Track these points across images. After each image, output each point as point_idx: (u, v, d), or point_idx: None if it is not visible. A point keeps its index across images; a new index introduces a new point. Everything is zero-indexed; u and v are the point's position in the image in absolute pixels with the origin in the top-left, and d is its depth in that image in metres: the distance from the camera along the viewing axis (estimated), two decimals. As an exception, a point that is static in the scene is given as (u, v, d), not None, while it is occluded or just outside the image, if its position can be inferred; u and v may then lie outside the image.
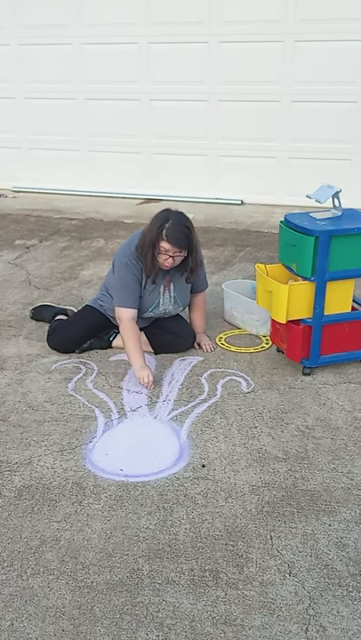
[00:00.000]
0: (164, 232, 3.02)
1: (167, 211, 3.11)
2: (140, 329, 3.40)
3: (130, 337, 3.11)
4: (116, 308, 3.18)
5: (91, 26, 6.15)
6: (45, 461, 2.58)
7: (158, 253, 3.06)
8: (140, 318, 3.31)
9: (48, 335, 3.49)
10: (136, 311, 3.18)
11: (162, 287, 3.24)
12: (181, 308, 3.39)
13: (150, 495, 2.39)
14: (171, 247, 3.03)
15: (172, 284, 3.26)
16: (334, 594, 1.97)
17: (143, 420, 2.87)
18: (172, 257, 3.07)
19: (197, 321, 3.49)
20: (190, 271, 3.20)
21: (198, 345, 3.44)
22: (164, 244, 3.03)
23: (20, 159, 6.89)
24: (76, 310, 3.67)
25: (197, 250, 3.18)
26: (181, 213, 3.12)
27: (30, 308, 3.89)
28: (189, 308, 3.50)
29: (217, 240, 5.26)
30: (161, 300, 3.27)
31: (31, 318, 3.82)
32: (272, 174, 6.12)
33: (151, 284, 3.18)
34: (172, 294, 3.28)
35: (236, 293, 3.65)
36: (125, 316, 3.14)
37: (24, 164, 6.89)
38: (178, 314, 3.47)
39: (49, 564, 2.10)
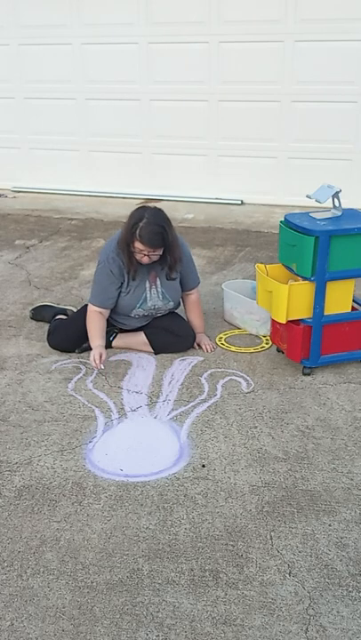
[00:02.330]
0: (137, 232, 3.02)
1: (143, 209, 3.11)
2: (140, 329, 3.40)
3: (93, 323, 3.22)
4: (88, 304, 3.27)
5: (91, 26, 6.15)
6: (45, 461, 2.58)
7: (134, 252, 3.09)
8: (136, 318, 3.31)
9: (48, 335, 3.50)
10: (106, 310, 3.25)
11: (147, 283, 3.24)
12: (172, 304, 3.37)
13: (150, 495, 2.39)
14: (144, 247, 3.04)
15: (158, 280, 3.26)
16: (334, 594, 1.97)
17: (143, 420, 2.87)
18: (148, 255, 3.09)
19: (195, 321, 3.47)
20: (169, 268, 3.20)
21: (198, 345, 3.44)
22: (138, 244, 3.04)
23: (20, 159, 6.89)
24: (75, 310, 3.67)
25: (175, 247, 3.16)
26: (157, 211, 3.11)
27: (30, 308, 3.89)
28: (185, 310, 3.49)
29: (217, 240, 5.26)
30: (148, 295, 3.26)
31: (31, 318, 3.82)
32: (272, 174, 6.12)
33: (132, 280, 3.20)
34: (159, 289, 3.27)
35: (236, 293, 3.65)
36: (92, 309, 3.26)
37: (24, 163, 6.89)
38: (177, 313, 3.46)
39: (49, 564, 2.10)
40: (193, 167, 6.35)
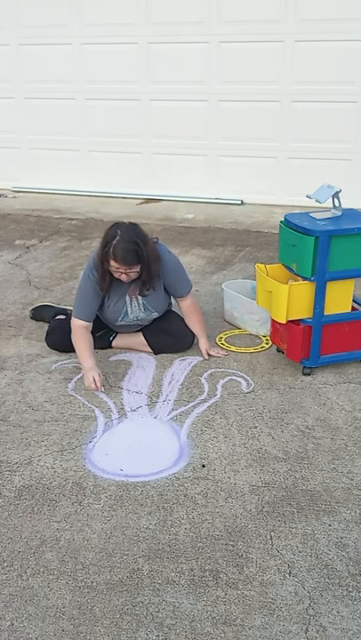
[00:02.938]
0: (111, 250, 2.96)
1: (116, 226, 3.03)
2: (138, 330, 3.40)
3: (79, 341, 3.14)
4: (72, 317, 3.20)
5: (91, 26, 6.15)
6: (45, 461, 2.58)
7: (109, 270, 3.04)
8: (124, 326, 3.32)
9: (46, 335, 3.49)
10: (89, 323, 3.18)
11: (127, 297, 3.20)
12: (156, 314, 3.31)
13: (150, 495, 2.39)
14: (119, 265, 2.98)
15: (138, 293, 3.19)
16: (334, 594, 1.97)
17: (143, 420, 2.87)
18: (125, 273, 3.03)
19: (195, 326, 3.39)
20: (142, 283, 3.12)
21: (208, 354, 3.36)
22: (113, 262, 2.99)
23: (20, 159, 6.89)
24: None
25: (153, 262, 3.07)
26: (131, 227, 3.03)
27: (30, 308, 3.89)
28: (183, 316, 3.41)
29: (217, 240, 5.26)
30: (129, 309, 3.23)
31: (31, 318, 3.82)
32: (272, 174, 6.12)
33: (108, 297, 3.17)
34: (140, 302, 3.22)
35: (236, 293, 3.65)
36: (77, 324, 3.17)
37: (24, 163, 6.89)
38: (175, 314, 3.44)
39: (49, 564, 2.10)
40: (193, 167, 6.35)
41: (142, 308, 3.25)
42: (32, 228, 5.70)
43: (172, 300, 3.42)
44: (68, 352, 3.39)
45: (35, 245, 5.24)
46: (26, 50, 6.43)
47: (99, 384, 3.00)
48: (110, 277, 3.10)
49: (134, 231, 3.02)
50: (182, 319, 3.43)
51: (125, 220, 3.13)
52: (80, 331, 3.16)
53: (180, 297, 3.35)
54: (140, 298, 3.21)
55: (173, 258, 3.28)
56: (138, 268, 3.04)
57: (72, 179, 6.73)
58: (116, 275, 3.06)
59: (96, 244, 5.18)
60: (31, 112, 6.67)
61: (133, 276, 3.07)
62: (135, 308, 3.24)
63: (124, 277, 3.06)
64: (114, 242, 2.96)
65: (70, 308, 3.73)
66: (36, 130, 6.72)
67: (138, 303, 3.22)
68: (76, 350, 3.16)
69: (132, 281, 3.13)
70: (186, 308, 3.38)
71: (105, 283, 3.10)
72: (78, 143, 6.65)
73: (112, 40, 6.13)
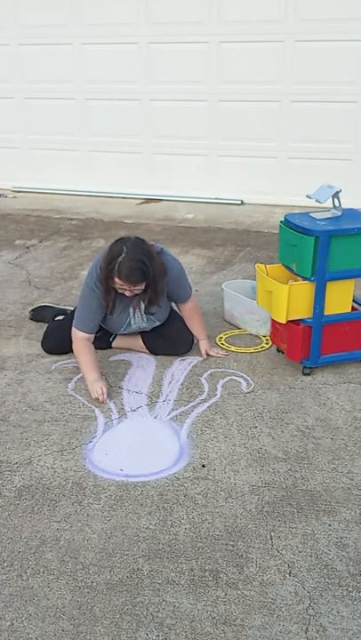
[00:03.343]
0: (116, 267, 2.87)
1: (122, 242, 2.92)
2: (137, 333, 3.38)
3: (81, 355, 3.05)
4: (73, 328, 3.10)
5: (91, 26, 6.15)
6: (45, 461, 2.58)
7: (113, 287, 2.97)
8: (124, 334, 3.30)
9: (42, 339, 3.44)
10: (91, 335, 3.09)
11: (131, 309, 3.16)
12: (158, 322, 3.28)
13: (150, 495, 2.39)
14: (124, 283, 2.91)
15: (142, 303, 3.14)
16: (334, 594, 1.97)
17: (143, 420, 2.87)
18: (129, 290, 2.96)
19: (195, 329, 3.37)
20: (149, 302, 3.08)
21: (208, 354, 3.35)
22: (117, 280, 2.91)
23: (20, 159, 6.89)
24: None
25: (158, 279, 2.99)
26: (138, 244, 2.93)
27: (30, 308, 3.89)
28: (184, 318, 3.37)
29: (217, 240, 5.26)
30: (132, 320, 3.20)
31: (30, 319, 3.81)
32: (272, 174, 6.12)
33: (111, 312, 3.11)
34: (143, 313, 3.17)
35: (236, 293, 3.65)
36: (78, 336, 3.07)
37: (24, 163, 6.89)
38: (175, 316, 3.41)
39: (49, 563, 2.10)
40: (193, 167, 6.35)
41: (145, 319, 3.21)
42: (32, 228, 5.70)
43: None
44: (67, 353, 3.40)
45: (35, 245, 5.24)
46: (26, 50, 6.43)
47: (105, 396, 2.94)
48: (115, 292, 3.03)
49: (141, 248, 2.92)
50: (182, 323, 3.38)
51: (131, 235, 3.02)
52: (82, 343, 3.07)
53: (183, 301, 3.29)
54: (142, 309, 3.15)
55: (178, 264, 3.20)
56: (143, 286, 2.97)
57: (72, 179, 6.73)
58: (119, 290, 2.99)
59: (96, 243, 5.21)
60: (31, 112, 6.67)
61: (138, 291, 3.00)
62: (138, 319, 3.20)
63: (127, 293, 2.99)
64: (119, 259, 2.86)
65: (70, 307, 3.74)
66: (36, 130, 6.72)
67: (141, 314, 3.18)
68: (79, 363, 3.08)
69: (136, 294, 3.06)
70: (187, 310, 3.33)
71: (109, 298, 3.02)
72: (78, 143, 6.65)
73: (112, 40, 6.13)
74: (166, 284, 3.11)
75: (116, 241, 2.96)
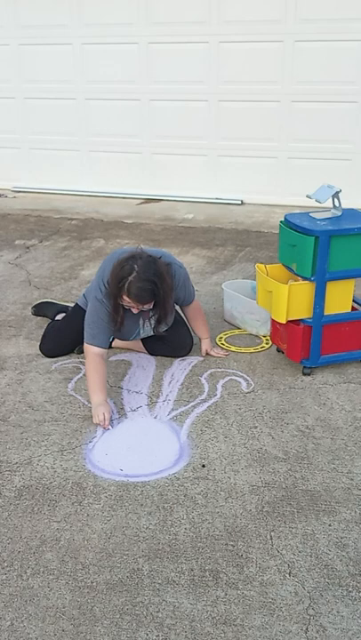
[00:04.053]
0: (125, 286, 2.78)
1: (133, 260, 2.82)
2: None
3: (93, 372, 2.92)
4: (85, 343, 2.98)
5: (91, 26, 6.15)
6: (45, 461, 2.58)
7: (122, 304, 2.91)
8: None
9: (40, 342, 3.43)
10: (105, 350, 3.00)
11: (140, 320, 3.12)
12: (165, 327, 3.21)
13: (150, 495, 2.39)
14: (133, 302, 2.86)
15: (152, 318, 3.10)
16: (334, 594, 1.97)
17: (143, 420, 2.87)
18: (137, 308, 2.91)
19: (198, 328, 3.37)
20: (157, 321, 3.03)
21: (208, 353, 3.36)
22: (127, 299, 2.85)
23: (20, 159, 6.90)
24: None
25: (168, 299, 2.93)
26: (149, 263, 2.83)
27: (31, 306, 3.90)
28: (187, 318, 3.37)
29: (217, 240, 5.26)
30: (141, 330, 3.17)
31: (33, 314, 3.82)
32: (272, 174, 6.12)
33: (121, 326, 3.03)
34: (152, 322, 3.12)
35: (236, 293, 3.65)
36: (92, 351, 2.95)
37: (24, 163, 6.90)
38: (178, 321, 3.39)
39: (49, 563, 2.10)
40: (193, 167, 6.35)
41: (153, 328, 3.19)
42: (32, 228, 5.70)
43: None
44: (68, 353, 3.40)
45: (35, 245, 5.24)
46: (26, 50, 6.44)
47: (107, 422, 2.80)
48: (123, 309, 2.96)
49: (152, 268, 2.82)
50: (184, 328, 3.37)
51: (143, 253, 2.89)
52: (95, 360, 2.93)
53: (188, 304, 3.27)
54: (152, 319, 3.09)
55: (183, 271, 3.14)
56: (152, 304, 2.92)
57: (72, 179, 6.74)
58: (127, 307, 2.93)
59: (96, 243, 5.22)
60: (31, 112, 6.67)
61: (147, 308, 2.95)
62: (147, 329, 3.17)
63: (135, 310, 2.93)
64: (130, 278, 2.77)
65: (71, 305, 3.73)
66: (36, 130, 6.73)
67: (150, 324, 3.14)
68: (88, 381, 2.96)
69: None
70: (191, 311, 3.31)
71: (118, 315, 2.94)
72: (78, 143, 6.65)
73: (112, 40, 6.14)
74: (173, 309, 3.08)
75: (127, 258, 2.86)
